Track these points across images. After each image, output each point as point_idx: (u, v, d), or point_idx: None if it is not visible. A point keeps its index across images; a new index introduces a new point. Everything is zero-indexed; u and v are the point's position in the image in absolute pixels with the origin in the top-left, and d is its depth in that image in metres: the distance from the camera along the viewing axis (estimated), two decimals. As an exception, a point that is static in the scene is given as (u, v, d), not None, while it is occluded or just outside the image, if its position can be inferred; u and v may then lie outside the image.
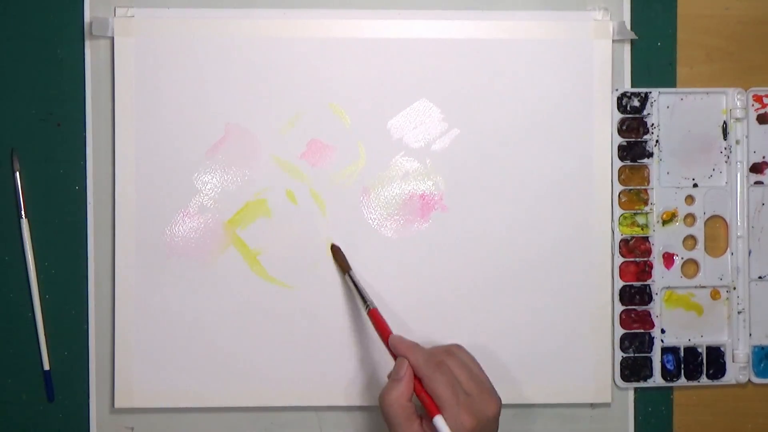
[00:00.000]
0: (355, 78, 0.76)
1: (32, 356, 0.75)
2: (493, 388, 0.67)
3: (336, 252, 0.75)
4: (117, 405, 0.75)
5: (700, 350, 0.78)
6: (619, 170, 0.77)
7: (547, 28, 0.76)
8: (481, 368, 0.68)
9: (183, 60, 0.75)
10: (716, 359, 0.78)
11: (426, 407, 0.65)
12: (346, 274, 0.74)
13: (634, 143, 0.77)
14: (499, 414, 0.67)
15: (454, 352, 0.68)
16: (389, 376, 0.67)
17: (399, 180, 0.76)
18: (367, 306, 0.71)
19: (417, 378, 0.66)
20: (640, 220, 0.77)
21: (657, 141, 0.77)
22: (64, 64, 0.75)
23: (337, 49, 0.75)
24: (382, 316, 0.70)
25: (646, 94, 0.77)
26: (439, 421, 0.63)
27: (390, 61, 0.76)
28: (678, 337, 0.78)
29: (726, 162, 0.78)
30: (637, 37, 0.77)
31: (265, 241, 0.75)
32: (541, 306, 0.76)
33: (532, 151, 0.76)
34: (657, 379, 0.77)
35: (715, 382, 0.78)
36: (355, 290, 0.73)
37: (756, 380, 0.78)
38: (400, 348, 0.67)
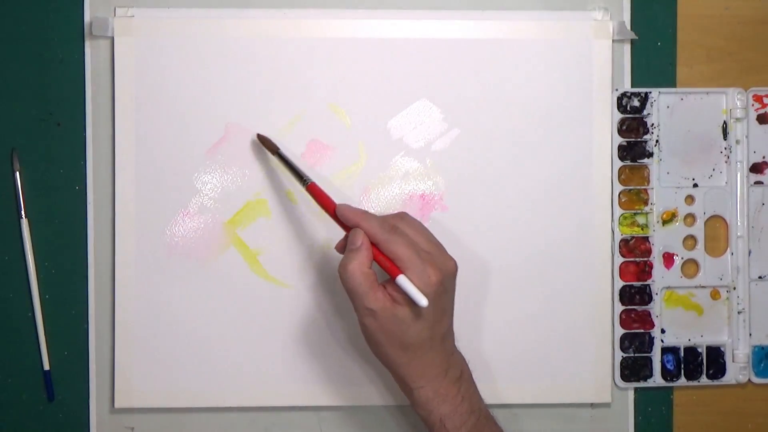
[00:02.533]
0: (355, 78, 0.76)
1: (32, 356, 0.75)
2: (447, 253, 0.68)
3: (262, 138, 0.74)
4: (117, 405, 0.75)
5: (700, 350, 0.78)
6: (619, 170, 0.77)
7: (547, 28, 0.76)
8: (432, 235, 0.69)
9: (183, 60, 0.75)
10: (716, 359, 0.78)
11: (388, 271, 0.64)
12: (276, 155, 0.73)
13: (634, 143, 0.77)
14: (456, 273, 0.67)
15: (404, 217, 0.68)
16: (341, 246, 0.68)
17: (399, 180, 0.76)
18: (305, 182, 0.70)
19: (374, 244, 0.65)
20: (640, 220, 0.77)
21: (657, 141, 0.77)
22: (64, 64, 0.75)
23: (337, 49, 0.75)
24: (322, 189, 0.69)
25: (646, 94, 0.77)
26: (402, 279, 0.63)
27: (390, 61, 0.76)
28: (678, 337, 0.78)
29: (726, 162, 0.78)
30: (637, 37, 0.77)
31: (265, 241, 0.75)
32: (541, 306, 0.76)
33: (532, 150, 0.76)
34: (657, 379, 0.77)
35: (715, 382, 0.78)
36: (289, 169, 0.72)
37: (756, 380, 0.78)
38: (351, 217, 0.67)
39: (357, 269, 0.64)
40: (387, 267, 0.64)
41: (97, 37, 0.75)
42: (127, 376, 0.74)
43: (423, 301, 0.62)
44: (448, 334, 0.68)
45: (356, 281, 0.64)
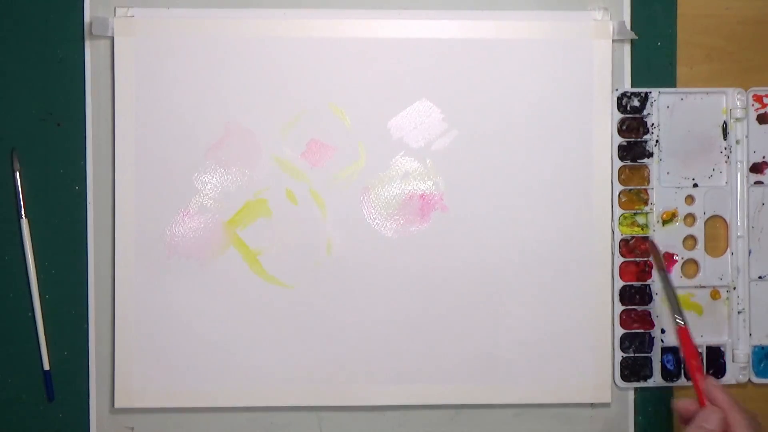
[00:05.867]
0: (355, 78, 0.76)
1: (32, 356, 0.75)
2: None
3: (652, 247, 0.76)
4: (117, 405, 0.75)
5: (700, 350, 0.78)
6: (619, 170, 0.77)
7: (547, 28, 0.76)
8: None
9: (183, 60, 0.75)
10: (716, 359, 0.78)
11: None
12: (662, 272, 0.75)
13: (634, 143, 0.77)
14: None
15: (761, 424, 0.70)
16: (685, 411, 0.70)
17: (399, 180, 0.76)
18: (677, 321, 0.72)
19: None
20: (640, 220, 0.77)
21: (657, 141, 0.77)
22: (64, 64, 0.75)
23: (337, 49, 0.75)
24: (691, 340, 0.72)
25: (646, 94, 0.77)
26: None
27: (390, 61, 0.76)
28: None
29: (726, 162, 0.78)
30: (637, 37, 0.77)
31: (265, 241, 0.75)
32: (541, 306, 0.76)
33: (532, 151, 0.76)
34: (657, 379, 0.77)
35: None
36: (670, 296, 0.74)
37: (756, 380, 0.78)
38: (717, 400, 0.69)
39: None
40: None
41: (97, 37, 0.75)
42: (127, 376, 0.75)
43: None
44: None
45: None
